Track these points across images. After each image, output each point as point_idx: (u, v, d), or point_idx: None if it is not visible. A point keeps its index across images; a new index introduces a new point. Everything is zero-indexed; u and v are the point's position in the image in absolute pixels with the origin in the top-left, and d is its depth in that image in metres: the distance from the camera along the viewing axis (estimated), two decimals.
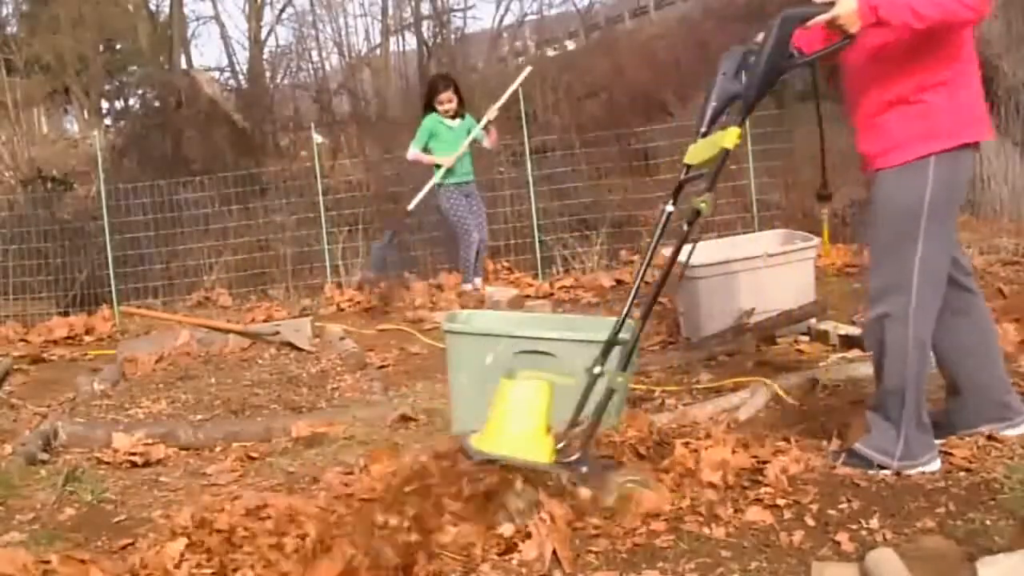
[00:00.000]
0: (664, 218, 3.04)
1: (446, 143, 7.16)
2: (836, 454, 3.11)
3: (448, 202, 7.22)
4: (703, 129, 3.05)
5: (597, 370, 2.90)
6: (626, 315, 3.03)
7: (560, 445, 2.84)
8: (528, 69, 7.30)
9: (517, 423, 2.79)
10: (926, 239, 2.87)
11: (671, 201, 3.10)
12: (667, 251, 3.13)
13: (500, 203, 8.92)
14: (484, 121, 7.13)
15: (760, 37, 2.91)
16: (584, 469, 2.79)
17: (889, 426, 2.97)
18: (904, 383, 2.93)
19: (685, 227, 2.95)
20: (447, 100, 7.15)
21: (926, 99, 2.86)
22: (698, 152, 3.03)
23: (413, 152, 7.24)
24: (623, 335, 3.00)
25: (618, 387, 2.86)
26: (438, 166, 7.14)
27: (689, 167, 3.08)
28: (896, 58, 2.86)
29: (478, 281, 7.36)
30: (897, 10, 2.72)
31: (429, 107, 7.25)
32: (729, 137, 2.87)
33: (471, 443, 2.80)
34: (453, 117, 7.21)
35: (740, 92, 2.96)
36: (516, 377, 2.86)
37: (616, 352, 2.97)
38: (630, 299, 3.05)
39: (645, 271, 3.09)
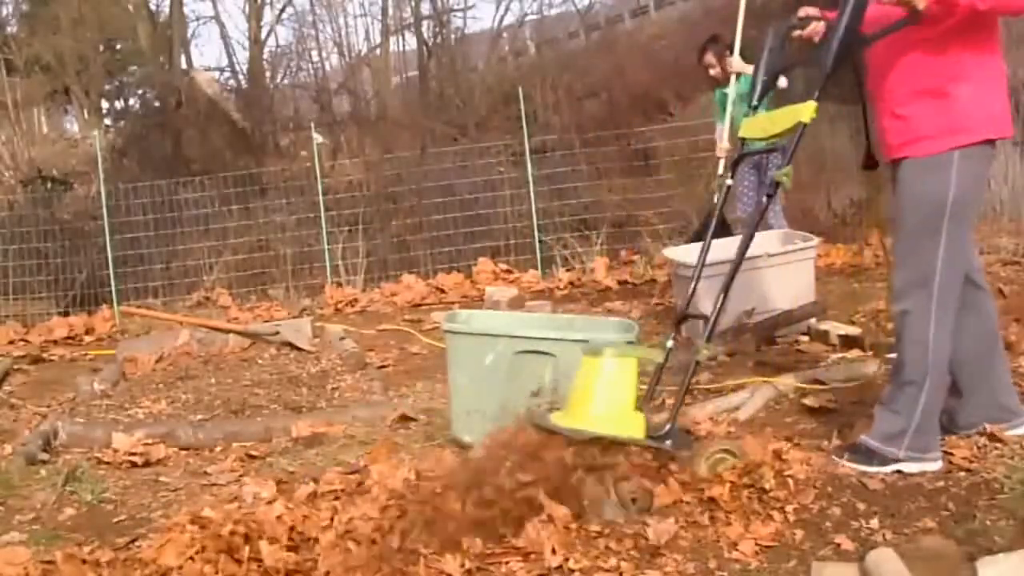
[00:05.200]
0: (724, 191, 3.32)
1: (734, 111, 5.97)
2: (838, 451, 3.11)
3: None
4: (755, 103, 3.22)
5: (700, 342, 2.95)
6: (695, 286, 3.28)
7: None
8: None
9: (608, 400, 2.79)
10: (949, 235, 2.89)
11: (730, 175, 3.35)
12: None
13: (500, 203, 8.92)
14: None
15: (802, 12, 3.13)
16: (671, 443, 2.84)
17: (899, 419, 2.97)
18: (924, 375, 2.94)
19: (764, 199, 3.20)
20: (708, 66, 6.21)
21: (953, 92, 2.86)
22: (757, 126, 3.16)
23: (718, 130, 6.20)
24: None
25: (702, 358, 2.94)
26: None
27: (744, 141, 3.26)
28: (925, 50, 2.87)
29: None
30: None
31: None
32: (807, 111, 2.94)
33: (555, 421, 2.77)
34: (726, 81, 6.01)
35: (786, 66, 3.21)
36: (601, 354, 2.83)
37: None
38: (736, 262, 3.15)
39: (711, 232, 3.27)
